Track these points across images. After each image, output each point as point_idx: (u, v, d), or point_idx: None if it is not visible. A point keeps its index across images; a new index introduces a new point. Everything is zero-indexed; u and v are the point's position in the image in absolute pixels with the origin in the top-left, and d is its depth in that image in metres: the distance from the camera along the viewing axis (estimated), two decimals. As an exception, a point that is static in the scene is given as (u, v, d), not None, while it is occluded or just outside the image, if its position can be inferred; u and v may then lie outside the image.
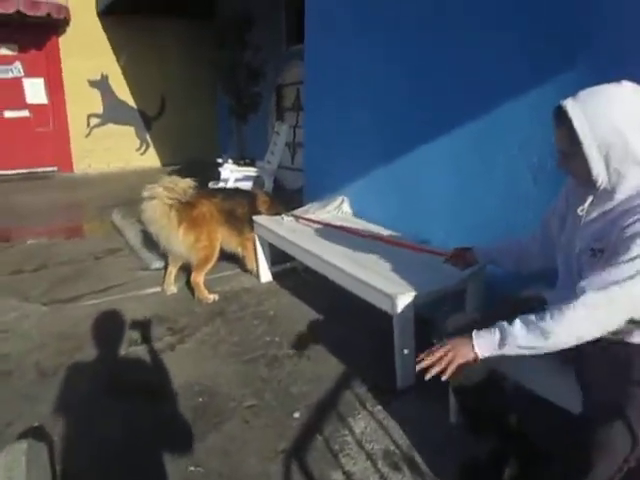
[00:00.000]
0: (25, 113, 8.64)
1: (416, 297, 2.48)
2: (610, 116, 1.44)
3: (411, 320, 2.47)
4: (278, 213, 3.84)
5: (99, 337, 3.19)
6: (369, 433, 2.29)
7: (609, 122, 1.44)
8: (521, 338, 1.50)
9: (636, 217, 1.43)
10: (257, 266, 3.92)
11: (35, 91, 8.63)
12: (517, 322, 1.52)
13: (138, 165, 9.12)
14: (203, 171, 7.21)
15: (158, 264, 4.26)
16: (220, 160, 5.76)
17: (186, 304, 3.66)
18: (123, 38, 8.71)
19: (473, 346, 1.56)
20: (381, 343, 2.80)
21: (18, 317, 3.50)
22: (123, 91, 9.07)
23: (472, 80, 2.80)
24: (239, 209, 3.86)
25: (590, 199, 1.61)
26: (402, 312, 2.44)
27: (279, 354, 2.95)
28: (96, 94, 8.92)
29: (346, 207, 3.77)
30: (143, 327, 3.33)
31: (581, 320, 1.44)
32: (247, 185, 5.29)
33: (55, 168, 8.93)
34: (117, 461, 2.17)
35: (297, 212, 3.79)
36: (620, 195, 1.52)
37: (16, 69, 8.45)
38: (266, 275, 3.92)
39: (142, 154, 9.50)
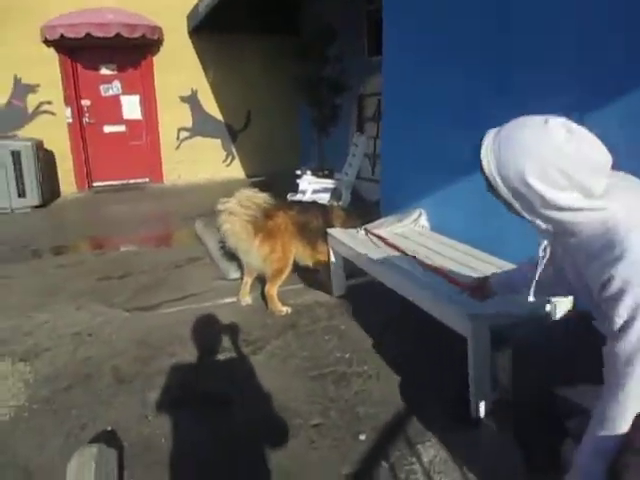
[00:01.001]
0: (122, 128, 9.19)
1: (493, 319, 2.32)
2: (518, 168, 1.26)
3: (487, 344, 2.31)
4: (354, 226, 3.78)
5: (175, 345, 3.26)
6: (438, 463, 2.15)
7: (517, 174, 1.27)
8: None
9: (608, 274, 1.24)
10: (330, 280, 3.87)
11: (131, 107, 9.17)
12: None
13: (224, 176, 9.40)
14: (284, 182, 7.32)
15: (235, 274, 4.33)
16: (299, 172, 5.80)
17: (260, 315, 3.67)
18: (211, 55, 9.07)
19: None
20: (456, 366, 2.64)
21: (102, 322, 3.67)
22: (211, 105, 9.42)
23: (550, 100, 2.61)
24: (313, 222, 3.85)
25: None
26: (478, 336, 2.29)
27: (348, 371, 2.87)
28: (186, 108, 9.33)
29: (423, 221, 3.64)
30: (218, 337, 3.37)
31: None
32: (325, 197, 5.28)
33: (147, 179, 9.42)
34: (182, 472, 2.18)
35: (372, 225, 3.69)
36: (572, 239, 1.34)
37: (115, 87, 9.03)
38: (339, 289, 3.85)
39: (228, 165, 9.81)
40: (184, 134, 9.42)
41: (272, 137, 9.50)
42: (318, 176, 5.65)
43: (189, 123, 9.43)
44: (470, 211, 3.33)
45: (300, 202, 4.83)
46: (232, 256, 4.19)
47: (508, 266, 2.79)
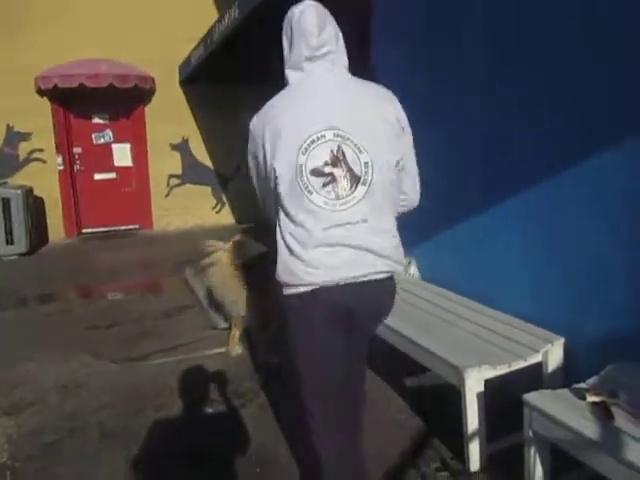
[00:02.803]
0: (112, 175, 9.25)
1: (487, 370, 2.31)
2: None
3: (481, 396, 2.30)
4: None
5: (163, 398, 3.20)
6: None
7: None
8: None
9: None
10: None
11: (122, 155, 9.26)
12: None
13: (214, 222, 9.42)
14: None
15: (225, 324, 4.29)
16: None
17: (250, 366, 3.63)
18: (202, 104, 9.22)
19: None
20: (451, 416, 2.61)
21: (89, 374, 3.60)
22: (201, 153, 9.55)
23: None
24: None
25: None
26: (471, 387, 2.28)
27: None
28: (176, 156, 9.43)
29: (414, 269, 3.66)
30: (207, 388, 3.31)
31: None
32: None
33: (137, 226, 9.42)
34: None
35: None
36: None
37: (107, 136, 9.13)
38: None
39: (217, 212, 9.85)
40: (174, 181, 9.49)
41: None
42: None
43: (179, 170, 9.51)
44: (463, 260, 3.36)
45: None
46: (220, 305, 4.16)
47: (500, 316, 2.81)
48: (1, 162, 8.40)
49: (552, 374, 2.48)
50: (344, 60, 1.76)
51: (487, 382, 2.32)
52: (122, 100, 8.83)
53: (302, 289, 1.62)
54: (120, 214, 9.26)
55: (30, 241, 7.72)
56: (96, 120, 9.05)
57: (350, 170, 1.60)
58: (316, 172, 1.59)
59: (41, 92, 8.30)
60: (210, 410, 3.05)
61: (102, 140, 9.12)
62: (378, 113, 1.68)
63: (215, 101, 9.17)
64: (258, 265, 3.61)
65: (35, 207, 8.09)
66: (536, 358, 2.44)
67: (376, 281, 1.66)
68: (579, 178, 2.50)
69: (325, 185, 1.59)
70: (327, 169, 1.59)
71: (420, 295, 3.28)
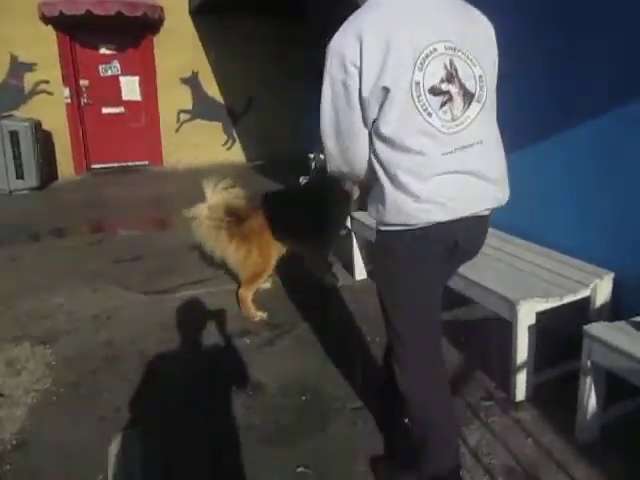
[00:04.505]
0: (120, 109, 9.02)
1: (539, 303, 2.29)
2: None
3: (532, 328, 2.29)
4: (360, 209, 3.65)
5: (198, 329, 3.20)
6: (485, 445, 2.13)
7: None
8: None
9: None
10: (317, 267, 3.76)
11: (130, 88, 8.99)
12: None
13: (224, 159, 9.26)
14: (288, 166, 7.23)
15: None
16: (312, 155, 5.71)
17: (281, 299, 3.63)
18: (213, 36, 8.89)
19: None
20: (497, 348, 2.62)
21: (120, 305, 3.60)
22: (212, 88, 9.27)
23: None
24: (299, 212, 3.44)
25: None
26: (523, 320, 2.27)
27: (380, 355, 2.83)
28: (186, 91, 9.16)
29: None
30: (240, 320, 3.32)
31: None
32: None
33: (146, 162, 9.27)
34: (222, 456, 2.13)
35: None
36: None
37: (114, 67, 8.83)
38: (361, 272, 3.81)
39: (228, 149, 9.68)
40: (184, 116, 9.27)
41: (274, 121, 9.34)
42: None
43: (189, 105, 9.27)
44: (512, 196, 3.26)
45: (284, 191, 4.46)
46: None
47: (550, 253, 2.77)
48: (6, 94, 8.15)
49: (599, 309, 2.47)
50: None
51: (537, 315, 2.31)
52: (130, 30, 8.50)
53: (411, 228, 1.49)
54: (129, 150, 9.09)
55: (41, 175, 7.61)
56: (103, 51, 8.73)
57: (463, 87, 1.46)
58: (434, 90, 1.43)
59: (45, 19, 7.96)
60: (247, 341, 3.06)
61: (109, 72, 8.84)
62: (485, 31, 1.57)
63: (226, 33, 8.84)
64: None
65: (44, 141, 7.92)
66: (585, 292, 2.42)
67: (485, 217, 1.60)
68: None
69: (442, 105, 1.44)
70: (444, 86, 1.43)
71: (488, 243, 3.21)
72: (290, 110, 9.27)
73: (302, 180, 5.36)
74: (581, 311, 2.47)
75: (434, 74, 1.43)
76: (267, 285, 3.79)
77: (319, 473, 2.03)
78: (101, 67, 8.77)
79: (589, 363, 2.00)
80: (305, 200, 3.66)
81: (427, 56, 1.42)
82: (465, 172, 1.48)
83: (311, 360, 2.82)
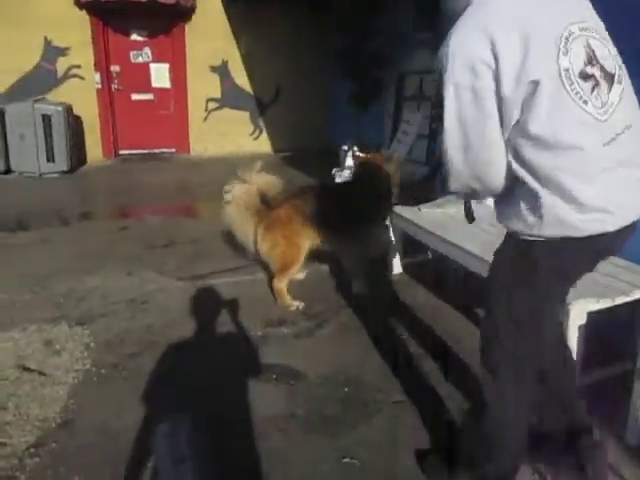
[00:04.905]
0: (150, 96, 9.05)
1: (591, 303, 2.23)
2: None
3: (582, 328, 2.23)
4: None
5: (235, 316, 3.20)
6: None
7: None
8: None
9: None
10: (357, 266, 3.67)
11: (160, 75, 9.01)
12: None
13: (251, 150, 9.25)
14: (317, 158, 7.20)
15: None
16: (345, 147, 5.67)
17: (318, 289, 3.61)
18: (244, 25, 8.86)
19: None
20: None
21: (155, 290, 3.61)
22: (241, 77, 9.26)
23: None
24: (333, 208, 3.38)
25: None
26: (575, 318, 2.21)
27: (418, 351, 2.80)
28: (215, 79, 9.16)
29: (489, 201, 3.51)
30: (275, 309, 3.31)
31: None
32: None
33: (174, 150, 9.30)
34: (267, 443, 2.12)
35: (429, 205, 3.55)
36: None
37: (145, 54, 8.86)
38: (397, 267, 3.77)
39: (255, 139, 9.67)
40: (212, 105, 9.28)
41: (302, 112, 9.32)
42: (365, 152, 5.50)
43: (218, 94, 9.27)
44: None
45: (321, 186, 4.27)
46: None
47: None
48: (39, 77, 8.22)
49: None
50: None
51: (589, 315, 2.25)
52: (162, 17, 8.51)
53: (570, 237, 1.36)
54: (157, 137, 9.14)
55: (71, 160, 7.67)
56: (134, 37, 8.76)
57: (603, 68, 1.34)
58: (583, 75, 1.31)
59: (80, 4, 8.00)
60: (285, 330, 3.05)
61: (140, 59, 8.87)
62: (591, 8, 1.47)
63: (257, 21, 8.81)
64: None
65: (75, 126, 7.98)
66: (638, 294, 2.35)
67: None
68: None
69: (592, 90, 1.31)
70: (589, 70, 1.32)
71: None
72: (318, 101, 9.25)
73: (335, 172, 5.34)
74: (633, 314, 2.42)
75: (578, 57, 1.31)
76: (301, 276, 3.77)
77: (364, 464, 2.01)
78: (132, 53, 8.81)
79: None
80: (345, 195, 3.61)
81: (567, 39, 1.31)
82: (623, 164, 1.35)
83: (351, 351, 2.80)
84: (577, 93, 1.30)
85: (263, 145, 9.63)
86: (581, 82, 1.31)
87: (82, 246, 4.52)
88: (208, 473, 1.92)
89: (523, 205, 1.40)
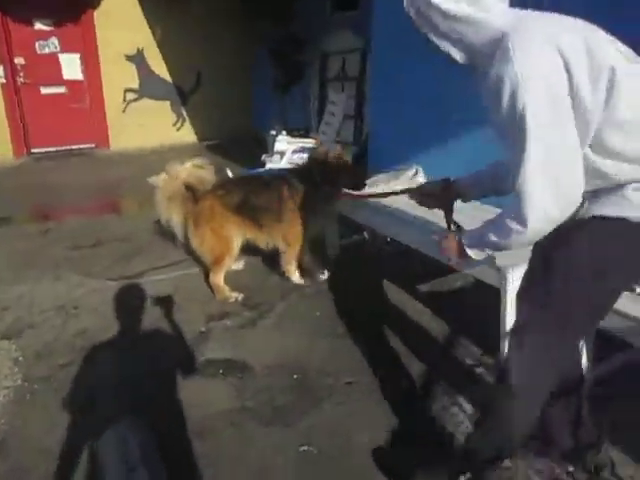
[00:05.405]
0: (61, 89, 8.51)
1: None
2: None
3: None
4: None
5: (175, 313, 3.09)
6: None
7: None
8: None
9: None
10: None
11: (71, 67, 8.48)
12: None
13: (175, 140, 8.93)
14: (244, 145, 7.07)
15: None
16: (273, 132, 5.57)
17: (255, 279, 3.55)
18: (158, 10, 8.47)
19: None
20: (471, 317, 2.66)
21: (86, 293, 3.42)
22: (159, 65, 8.88)
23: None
24: (260, 200, 3.29)
25: None
26: (511, 286, 2.28)
27: (363, 330, 2.82)
28: (132, 68, 8.74)
29: (421, 177, 3.58)
30: (217, 303, 3.23)
31: None
32: (303, 157, 5.10)
33: (92, 145, 8.83)
34: (222, 441, 2.07)
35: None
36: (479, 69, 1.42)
37: (52, 44, 8.30)
38: (335, 248, 3.77)
39: (178, 129, 9.34)
40: (131, 96, 8.86)
41: (225, 98, 9.08)
42: (294, 136, 5.45)
43: (136, 84, 8.87)
44: (470, 164, 3.30)
45: (247, 178, 3.98)
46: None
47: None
48: None
49: None
50: None
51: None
52: (67, 3, 7.98)
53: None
54: (73, 132, 8.62)
55: (-23, 161, 7.12)
56: (39, 26, 8.17)
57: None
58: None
59: (-28, -8, 7.38)
60: (227, 322, 2.98)
61: (47, 49, 8.29)
62: None
63: (170, 6, 8.44)
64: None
65: (-21, 123, 7.40)
66: None
67: None
68: None
69: None
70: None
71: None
72: (241, 87, 9.06)
73: (264, 158, 5.25)
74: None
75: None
76: (239, 267, 3.69)
77: (321, 450, 2.00)
78: (38, 44, 8.21)
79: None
80: (264, 187, 3.40)
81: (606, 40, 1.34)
82: None
83: (295, 338, 2.77)
84: None
85: (187, 135, 9.33)
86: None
87: (2, 253, 4.22)
88: (160, 478, 1.84)
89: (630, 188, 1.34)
